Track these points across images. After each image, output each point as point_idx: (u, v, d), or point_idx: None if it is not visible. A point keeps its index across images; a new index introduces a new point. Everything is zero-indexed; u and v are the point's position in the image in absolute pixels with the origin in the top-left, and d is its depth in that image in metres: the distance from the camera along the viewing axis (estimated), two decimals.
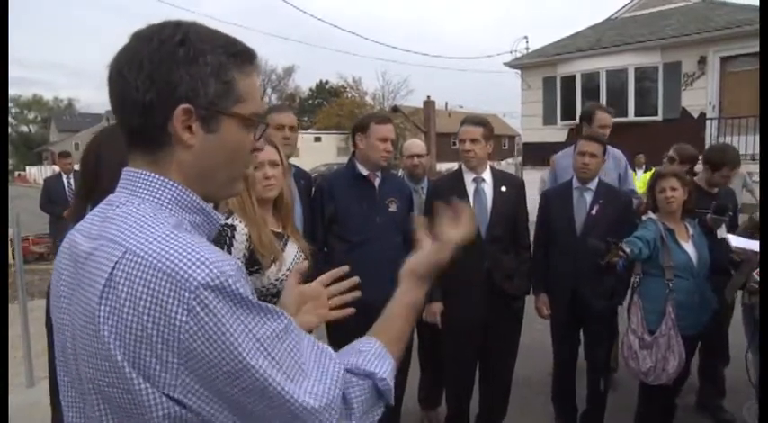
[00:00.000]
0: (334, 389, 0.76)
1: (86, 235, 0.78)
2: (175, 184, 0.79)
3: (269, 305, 0.75)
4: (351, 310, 1.19)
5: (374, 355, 0.88)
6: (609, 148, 3.78)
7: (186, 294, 0.67)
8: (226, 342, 0.68)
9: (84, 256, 0.75)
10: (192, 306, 0.67)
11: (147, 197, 0.78)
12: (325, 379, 0.76)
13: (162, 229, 0.73)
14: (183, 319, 0.67)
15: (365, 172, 2.83)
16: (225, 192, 0.89)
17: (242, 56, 0.82)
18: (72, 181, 6.70)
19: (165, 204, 0.79)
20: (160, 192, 0.79)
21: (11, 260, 6.66)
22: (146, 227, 0.73)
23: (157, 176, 0.79)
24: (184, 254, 0.69)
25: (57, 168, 7.18)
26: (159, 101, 0.75)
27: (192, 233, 0.78)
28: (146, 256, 0.69)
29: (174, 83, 0.75)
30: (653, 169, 5.69)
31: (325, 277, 1.22)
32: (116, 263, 0.70)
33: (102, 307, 0.70)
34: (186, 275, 0.67)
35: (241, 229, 1.86)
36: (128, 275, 0.69)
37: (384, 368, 0.87)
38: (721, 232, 3.13)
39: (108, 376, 0.70)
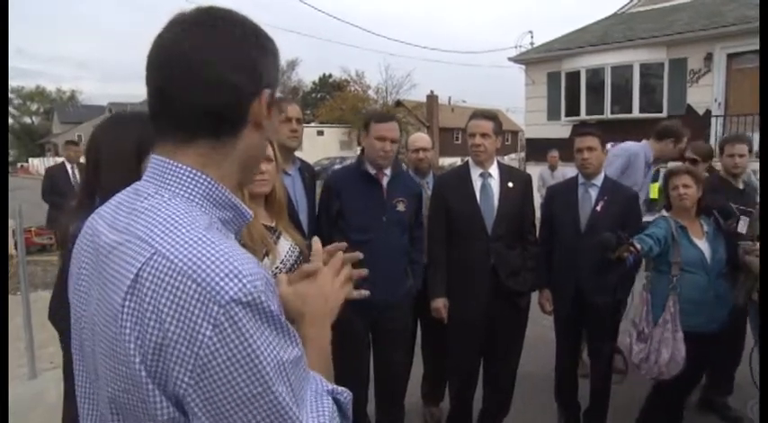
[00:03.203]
0: (329, 421, 0.76)
1: (111, 225, 0.75)
2: (208, 179, 0.76)
3: (290, 326, 0.72)
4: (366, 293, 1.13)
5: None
6: (642, 150, 3.79)
7: (215, 308, 0.63)
8: (251, 363, 0.64)
9: (108, 250, 0.72)
10: (220, 322, 0.63)
11: (177, 191, 0.74)
12: (324, 412, 0.75)
13: (194, 231, 0.69)
14: (208, 333, 0.63)
15: (372, 170, 2.81)
16: (251, 180, 0.94)
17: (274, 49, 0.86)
18: (77, 171, 6.54)
19: (196, 200, 0.75)
20: (192, 185, 0.75)
21: (14, 251, 6.67)
22: (177, 226, 0.69)
23: (189, 168, 0.75)
24: (217, 263, 0.65)
25: (58, 159, 7.06)
26: (250, 84, 0.77)
27: (223, 232, 0.75)
28: (175, 261, 0.65)
29: (258, 68, 0.78)
30: (658, 167, 5.66)
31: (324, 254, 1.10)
32: (143, 264, 0.66)
33: (126, 309, 0.66)
34: (218, 288, 0.64)
35: None
36: (155, 279, 0.65)
37: (339, 387, 0.85)
38: (741, 226, 3.11)
39: (124, 382, 0.68)
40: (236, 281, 0.65)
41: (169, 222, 0.69)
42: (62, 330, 1.47)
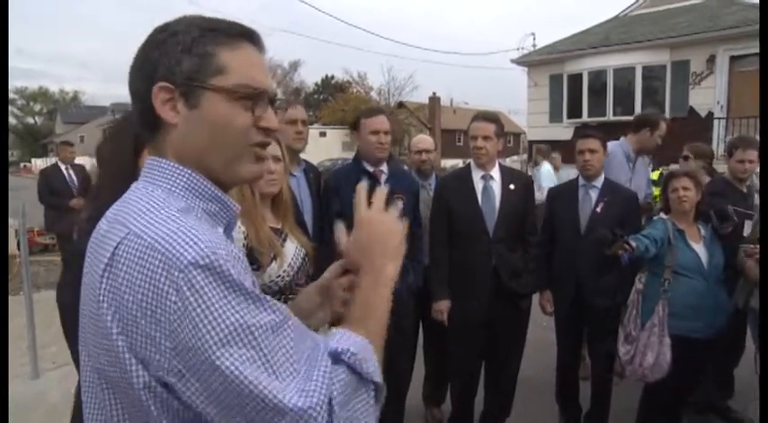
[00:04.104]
0: (323, 387, 0.71)
1: (107, 219, 0.80)
2: (189, 172, 0.80)
3: (266, 296, 0.72)
4: None
5: (341, 335, 0.82)
6: (617, 147, 3.78)
7: (176, 273, 0.66)
8: (209, 325, 0.65)
9: (100, 239, 0.77)
10: (180, 286, 0.66)
11: (160, 184, 0.80)
12: (316, 376, 0.71)
13: (166, 212, 0.73)
14: (173, 299, 0.66)
15: (371, 168, 2.82)
16: (230, 175, 0.84)
17: (223, 30, 0.81)
18: (72, 171, 6.49)
19: (177, 191, 0.79)
20: (173, 179, 0.80)
21: (16, 251, 6.67)
22: (151, 210, 0.74)
23: (171, 164, 0.80)
24: (179, 234, 0.69)
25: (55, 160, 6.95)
26: (144, 85, 0.79)
27: (204, 220, 0.78)
28: (144, 237, 0.70)
29: (152, 65, 0.79)
30: (660, 169, 5.64)
31: (337, 266, 1.15)
32: (118, 243, 0.71)
33: (103, 286, 0.71)
34: (177, 254, 0.67)
35: (237, 228, 1.83)
36: (127, 255, 0.70)
37: (350, 344, 0.79)
38: (746, 230, 3.10)
39: (108, 356, 0.71)
40: (195, 247, 0.68)
41: (147, 208, 0.75)
42: (62, 305, 1.52)
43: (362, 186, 0.99)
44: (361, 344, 0.80)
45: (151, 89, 0.77)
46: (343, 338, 0.80)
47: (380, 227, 0.97)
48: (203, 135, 0.80)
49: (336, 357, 0.77)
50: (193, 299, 0.66)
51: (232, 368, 0.65)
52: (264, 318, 0.69)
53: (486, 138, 2.88)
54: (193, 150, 0.80)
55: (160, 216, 0.73)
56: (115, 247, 0.71)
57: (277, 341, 0.70)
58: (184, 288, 0.66)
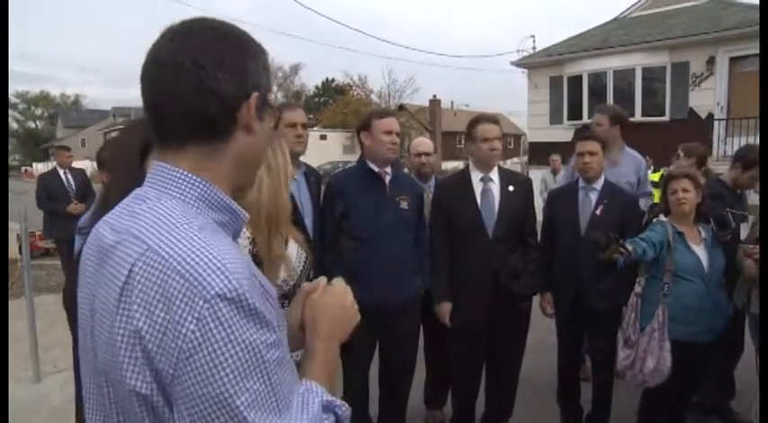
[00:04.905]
0: None
1: (112, 227, 0.78)
2: (203, 182, 0.79)
3: (274, 324, 0.73)
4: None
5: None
6: (628, 150, 3.79)
7: (200, 303, 0.65)
8: (230, 359, 0.65)
9: (108, 249, 0.76)
10: (203, 316, 0.65)
11: (174, 193, 0.78)
12: (311, 418, 0.76)
13: (186, 230, 0.72)
14: (191, 327, 0.65)
15: (376, 169, 2.84)
16: (255, 178, 0.94)
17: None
18: (70, 176, 6.44)
19: (191, 202, 0.78)
20: (187, 189, 0.78)
21: (18, 255, 6.68)
22: (170, 226, 0.72)
23: (184, 172, 0.78)
24: (205, 260, 0.68)
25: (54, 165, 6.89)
26: (236, 90, 0.79)
27: (218, 233, 0.77)
28: (166, 256, 0.68)
29: (245, 73, 0.80)
30: (661, 170, 5.66)
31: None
32: (136, 260, 0.70)
33: (121, 305, 0.70)
34: (204, 283, 0.66)
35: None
36: (145, 273, 0.68)
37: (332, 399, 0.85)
38: (743, 232, 3.09)
39: (117, 373, 0.71)
40: (222, 277, 0.67)
41: (163, 221, 0.73)
42: (68, 307, 1.53)
43: (322, 280, 1.04)
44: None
45: (239, 94, 0.79)
46: (324, 392, 0.84)
47: (347, 297, 1.01)
48: (264, 145, 0.88)
49: (331, 408, 0.83)
50: (217, 331, 0.65)
51: (243, 406, 0.66)
52: (276, 352, 0.71)
53: (498, 139, 2.92)
54: (254, 157, 0.86)
55: (181, 234, 0.71)
56: (132, 264, 0.70)
57: (281, 375, 0.71)
58: (209, 319, 0.65)
